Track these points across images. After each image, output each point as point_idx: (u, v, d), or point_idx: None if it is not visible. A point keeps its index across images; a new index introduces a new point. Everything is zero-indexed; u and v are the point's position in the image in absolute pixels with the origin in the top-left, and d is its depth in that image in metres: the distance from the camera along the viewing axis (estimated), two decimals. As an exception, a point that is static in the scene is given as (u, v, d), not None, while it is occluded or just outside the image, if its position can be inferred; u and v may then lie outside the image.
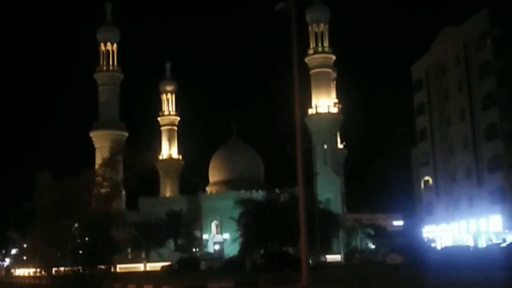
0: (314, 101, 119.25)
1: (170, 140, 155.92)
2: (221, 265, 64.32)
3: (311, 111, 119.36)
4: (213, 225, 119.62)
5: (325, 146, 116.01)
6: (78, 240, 33.67)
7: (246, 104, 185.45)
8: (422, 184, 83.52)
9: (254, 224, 63.80)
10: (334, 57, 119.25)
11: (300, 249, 71.48)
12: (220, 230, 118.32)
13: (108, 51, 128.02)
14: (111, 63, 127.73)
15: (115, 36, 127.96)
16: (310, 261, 67.94)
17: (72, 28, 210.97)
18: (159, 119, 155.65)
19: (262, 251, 61.61)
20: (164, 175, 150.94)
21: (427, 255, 37.59)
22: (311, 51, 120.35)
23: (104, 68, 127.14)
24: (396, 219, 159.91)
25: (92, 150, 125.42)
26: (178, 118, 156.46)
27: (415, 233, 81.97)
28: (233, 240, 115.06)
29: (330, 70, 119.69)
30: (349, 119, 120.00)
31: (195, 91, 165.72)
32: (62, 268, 34.08)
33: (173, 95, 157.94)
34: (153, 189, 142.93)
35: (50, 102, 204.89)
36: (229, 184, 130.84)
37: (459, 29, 73.62)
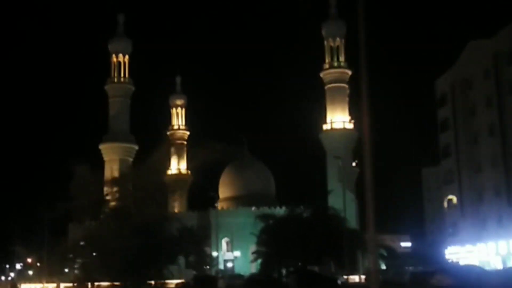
0: (329, 117, 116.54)
1: (179, 155, 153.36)
2: (241, 283, 61.04)
3: (325, 126, 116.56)
4: (224, 242, 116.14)
5: (340, 163, 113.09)
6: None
7: (257, 119, 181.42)
8: (446, 203, 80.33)
9: (275, 241, 60.50)
10: (350, 72, 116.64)
11: (327, 267, 68.75)
12: (231, 247, 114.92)
13: (119, 62, 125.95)
14: (122, 74, 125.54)
15: (127, 47, 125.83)
16: (339, 281, 65.36)
17: (84, 39, 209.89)
18: (168, 133, 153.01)
19: (285, 269, 58.39)
20: (172, 190, 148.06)
21: (484, 277, 34.42)
22: (326, 66, 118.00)
23: (115, 80, 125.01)
24: (404, 240, 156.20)
25: (101, 163, 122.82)
26: (188, 133, 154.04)
27: (437, 254, 78.65)
28: (245, 258, 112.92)
29: (345, 86, 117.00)
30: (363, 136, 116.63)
31: (205, 105, 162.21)
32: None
33: (183, 109, 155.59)
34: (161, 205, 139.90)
35: (59, 115, 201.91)
36: (240, 200, 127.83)
37: (489, 42, 70.95)
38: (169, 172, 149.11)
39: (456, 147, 79.04)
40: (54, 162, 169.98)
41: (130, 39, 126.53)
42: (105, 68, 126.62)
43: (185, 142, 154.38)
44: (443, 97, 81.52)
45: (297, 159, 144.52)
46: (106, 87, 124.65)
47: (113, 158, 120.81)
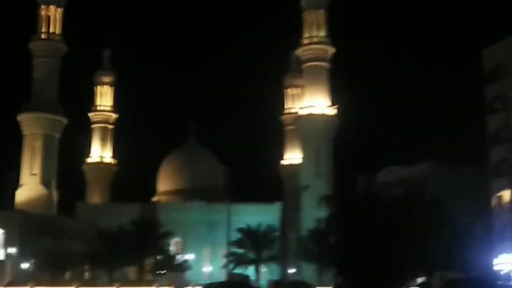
0: (307, 101, 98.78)
1: (103, 141, 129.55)
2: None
3: (302, 111, 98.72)
4: (173, 243, 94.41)
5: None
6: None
7: (206, 105, 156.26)
8: (494, 201, 64.71)
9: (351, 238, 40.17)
10: (333, 50, 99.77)
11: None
12: (182, 248, 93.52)
13: (49, 16, 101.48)
14: (52, 30, 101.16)
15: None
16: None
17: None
18: (90, 114, 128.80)
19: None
20: (92, 181, 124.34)
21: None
22: (305, 41, 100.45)
23: (43, 36, 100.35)
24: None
25: (19, 138, 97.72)
26: (115, 116, 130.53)
27: (482, 261, 62.50)
28: (199, 262, 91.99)
29: (327, 65, 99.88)
30: (346, 124, 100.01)
31: (139, 85, 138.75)
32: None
33: (111, 88, 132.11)
34: (78, 195, 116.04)
35: None
36: (185, 194, 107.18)
37: None
38: (89, 160, 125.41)
39: (510, 132, 64.10)
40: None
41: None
42: (30, 21, 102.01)
43: (109, 126, 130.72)
44: (494, 70, 66.30)
45: (251, 151, 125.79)
46: (31, 45, 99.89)
47: (35, 132, 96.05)
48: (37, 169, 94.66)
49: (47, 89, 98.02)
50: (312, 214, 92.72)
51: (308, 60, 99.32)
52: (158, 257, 75.19)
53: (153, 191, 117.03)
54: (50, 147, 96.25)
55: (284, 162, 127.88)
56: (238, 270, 79.08)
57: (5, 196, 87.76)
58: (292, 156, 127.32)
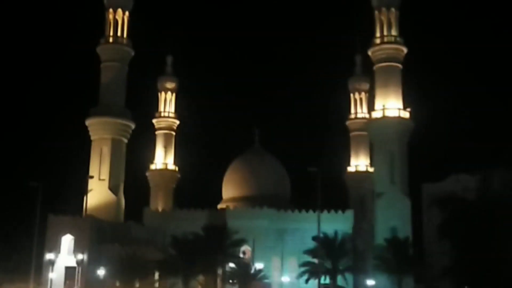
0: (379, 103, 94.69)
1: (166, 147, 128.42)
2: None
3: (375, 114, 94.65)
4: (242, 251, 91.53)
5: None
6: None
7: (270, 109, 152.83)
8: None
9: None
10: (405, 50, 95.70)
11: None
12: (252, 257, 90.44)
13: (117, 20, 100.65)
14: (119, 34, 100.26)
15: (128, 1, 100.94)
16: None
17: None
18: (154, 121, 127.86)
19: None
20: (156, 188, 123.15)
21: None
22: (377, 41, 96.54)
23: (111, 40, 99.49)
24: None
25: (87, 144, 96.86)
26: (177, 122, 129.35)
27: None
28: (268, 271, 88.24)
29: (400, 66, 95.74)
30: (419, 129, 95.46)
31: (200, 91, 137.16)
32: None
33: (174, 94, 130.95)
34: (142, 201, 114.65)
35: (35, 81, 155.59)
36: (251, 201, 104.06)
37: None
38: (152, 166, 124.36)
39: None
40: (29, 139, 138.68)
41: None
42: (98, 26, 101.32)
43: (173, 133, 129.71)
44: None
45: (315, 157, 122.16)
46: (99, 49, 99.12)
47: (103, 136, 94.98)
48: (105, 174, 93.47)
49: (115, 93, 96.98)
50: (387, 222, 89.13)
51: (380, 60, 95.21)
52: (231, 265, 72.37)
53: (217, 197, 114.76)
54: (118, 152, 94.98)
55: (351, 169, 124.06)
56: (313, 281, 75.70)
57: (76, 202, 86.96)
58: (358, 162, 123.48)
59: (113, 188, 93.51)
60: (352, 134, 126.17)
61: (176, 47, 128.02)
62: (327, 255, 74.73)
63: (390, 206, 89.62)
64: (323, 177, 65.43)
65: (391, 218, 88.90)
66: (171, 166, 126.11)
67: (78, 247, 78.90)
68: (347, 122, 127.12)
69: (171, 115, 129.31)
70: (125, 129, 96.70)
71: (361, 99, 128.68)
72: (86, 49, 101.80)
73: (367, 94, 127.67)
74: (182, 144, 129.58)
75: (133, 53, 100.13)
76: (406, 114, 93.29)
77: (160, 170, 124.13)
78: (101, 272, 75.03)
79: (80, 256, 77.57)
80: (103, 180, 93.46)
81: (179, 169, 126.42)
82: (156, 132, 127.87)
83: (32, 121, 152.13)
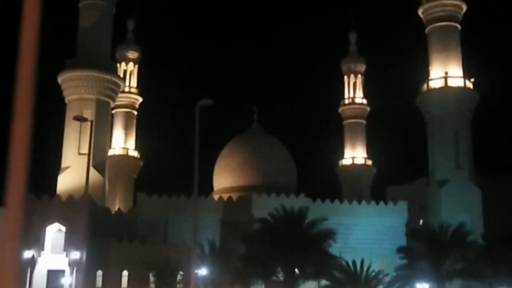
0: (437, 70, 76.63)
1: (126, 129, 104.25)
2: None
3: (433, 83, 76.44)
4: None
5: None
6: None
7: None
8: None
9: None
10: (464, 7, 78.81)
11: None
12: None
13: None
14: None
15: None
16: None
17: None
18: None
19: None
20: (114, 177, 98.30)
21: None
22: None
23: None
24: None
25: (59, 104, 71.34)
26: (140, 99, 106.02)
27: None
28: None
29: (459, 26, 78.66)
30: (483, 103, 78.33)
31: (166, 63, 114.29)
32: None
33: (136, 66, 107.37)
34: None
35: None
36: (255, 191, 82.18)
37: None
38: (110, 152, 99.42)
39: None
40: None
41: None
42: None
43: (135, 112, 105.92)
44: None
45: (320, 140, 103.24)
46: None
47: (84, 96, 69.57)
48: (86, 147, 67.99)
49: (99, 41, 72.05)
50: (453, 218, 70.66)
51: (436, 19, 77.65)
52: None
53: (206, 188, 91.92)
54: (104, 119, 70.32)
55: (346, 161, 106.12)
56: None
57: (44, 184, 62.25)
58: (355, 154, 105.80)
59: (97, 165, 68.11)
60: (346, 122, 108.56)
61: (140, 10, 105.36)
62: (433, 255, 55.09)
63: (457, 196, 71.61)
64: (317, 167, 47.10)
65: (459, 211, 70.74)
66: (132, 152, 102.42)
67: (70, 243, 53.87)
68: (340, 109, 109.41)
69: (133, 90, 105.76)
70: (113, 88, 72.06)
71: (354, 83, 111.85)
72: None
73: (363, 77, 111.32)
74: (145, 125, 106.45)
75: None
76: (469, 85, 75.94)
77: (120, 156, 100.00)
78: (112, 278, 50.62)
79: (74, 255, 52.51)
80: (83, 154, 67.99)
81: (141, 156, 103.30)
82: (114, 111, 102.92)
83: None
